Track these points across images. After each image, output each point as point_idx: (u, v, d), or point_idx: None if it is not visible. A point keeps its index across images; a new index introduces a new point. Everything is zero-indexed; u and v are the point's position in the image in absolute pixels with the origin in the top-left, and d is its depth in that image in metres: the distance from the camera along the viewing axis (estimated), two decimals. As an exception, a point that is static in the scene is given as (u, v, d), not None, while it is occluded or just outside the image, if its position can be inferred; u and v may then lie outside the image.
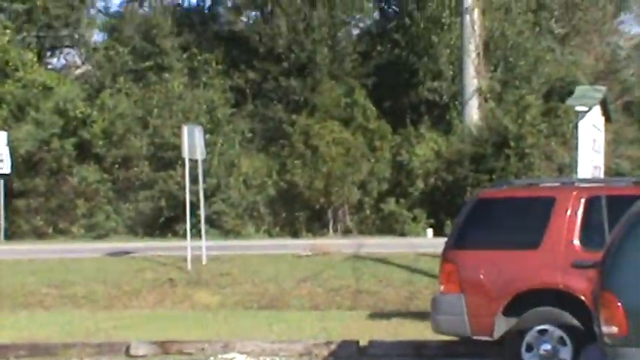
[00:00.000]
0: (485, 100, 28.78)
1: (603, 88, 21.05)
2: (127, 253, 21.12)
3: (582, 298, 9.83)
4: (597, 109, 20.86)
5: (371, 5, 33.01)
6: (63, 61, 35.43)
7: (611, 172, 31.33)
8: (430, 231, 26.70)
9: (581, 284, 9.82)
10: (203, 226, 20.19)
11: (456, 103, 29.88)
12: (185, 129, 19.75)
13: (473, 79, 28.53)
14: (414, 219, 27.47)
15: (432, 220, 27.31)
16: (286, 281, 17.88)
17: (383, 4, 34.53)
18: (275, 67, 31.09)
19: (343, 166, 28.01)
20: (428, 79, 30.64)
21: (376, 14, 34.33)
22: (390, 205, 27.86)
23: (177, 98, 29.48)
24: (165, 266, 19.28)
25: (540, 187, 11.59)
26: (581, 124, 17.94)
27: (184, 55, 31.69)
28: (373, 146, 29.03)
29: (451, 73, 30.39)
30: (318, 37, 30.82)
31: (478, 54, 28.56)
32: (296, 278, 17.97)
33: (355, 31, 34.16)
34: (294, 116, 29.60)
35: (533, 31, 32.14)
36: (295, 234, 27.78)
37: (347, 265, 18.72)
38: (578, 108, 18.66)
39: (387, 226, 27.76)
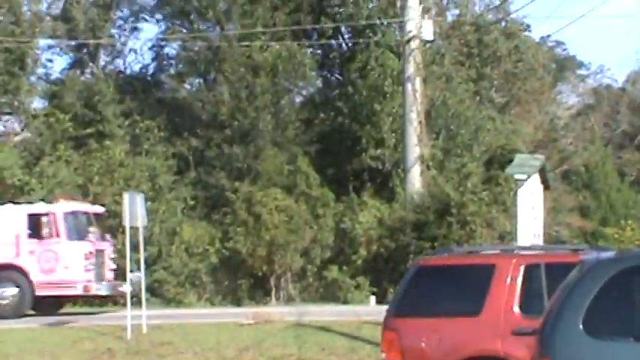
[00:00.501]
0: (428, 168, 29.01)
1: (542, 157, 21.39)
2: (64, 323, 20.71)
3: (523, 365, 9.82)
4: (536, 178, 21.16)
5: (314, 73, 33.29)
6: (2, 128, 35.08)
7: (551, 239, 31.65)
8: (373, 298, 26.63)
9: (521, 351, 9.82)
10: (144, 295, 19.91)
11: (399, 170, 30.08)
12: (126, 196, 19.60)
13: (415, 147, 28.78)
14: (357, 286, 27.41)
15: (374, 288, 27.27)
16: (228, 350, 17.64)
17: (326, 72, 34.86)
18: (218, 134, 31.09)
19: (286, 234, 27.94)
20: (371, 147, 30.85)
21: (319, 82, 34.63)
22: (333, 272, 27.81)
23: (118, 165, 29.28)
24: (105, 336, 18.92)
25: (480, 254, 11.65)
26: (520, 192, 18.15)
27: (126, 122, 31.58)
28: (316, 213, 29.04)
29: (394, 140, 30.64)
30: (261, 104, 30.94)
31: (420, 122, 28.85)
32: (238, 347, 17.75)
33: (298, 99, 34.40)
34: (236, 183, 29.54)
35: (474, 100, 32.65)
36: (238, 302, 27.55)
37: (289, 333, 18.55)
38: (518, 176, 18.92)
39: (330, 294, 27.66)
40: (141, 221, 19.55)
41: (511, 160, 26.10)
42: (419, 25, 28.51)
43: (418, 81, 28.92)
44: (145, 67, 35.88)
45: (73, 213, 23.40)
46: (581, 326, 6.95)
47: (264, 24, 31.65)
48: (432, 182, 28.57)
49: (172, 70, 35.21)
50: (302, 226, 28.37)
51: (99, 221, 24.39)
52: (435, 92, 31.01)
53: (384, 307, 12.00)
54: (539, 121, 38.67)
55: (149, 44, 35.90)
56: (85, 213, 23.95)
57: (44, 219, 22.87)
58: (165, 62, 35.65)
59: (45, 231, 22.81)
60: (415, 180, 28.61)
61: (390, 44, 31.36)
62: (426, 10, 29.73)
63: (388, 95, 30.92)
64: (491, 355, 10.24)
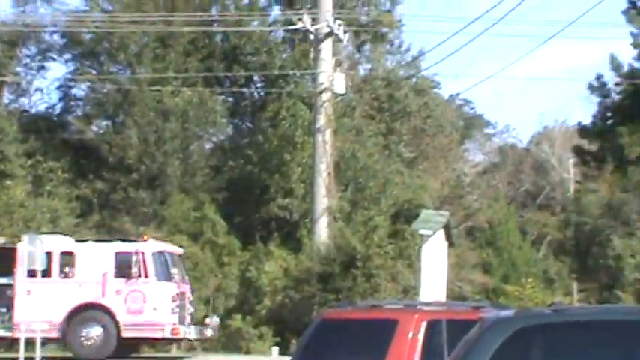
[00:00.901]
0: (335, 220, 29.10)
1: (447, 214, 21.62)
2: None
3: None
4: (441, 234, 21.34)
5: (224, 120, 33.23)
6: None
7: (454, 294, 31.92)
8: (276, 349, 26.43)
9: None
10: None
11: (306, 221, 30.10)
12: (26, 238, 19.17)
13: (323, 198, 28.87)
14: (260, 336, 27.17)
15: (278, 338, 27.07)
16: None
17: (237, 120, 34.84)
18: (124, 178, 30.72)
19: (190, 281, 27.60)
20: (279, 197, 30.83)
21: (230, 129, 34.57)
22: (237, 321, 27.52)
23: (18, 206, 28.61)
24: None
25: (383, 308, 11.64)
26: (425, 247, 18.28)
27: (29, 162, 30.94)
28: (222, 261, 28.80)
29: (302, 191, 30.69)
30: (170, 149, 30.71)
31: (329, 174, 28.98)
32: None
33: (208, 145, 34.24)
34: (141, 229, 29.13)
35: (383, 154, 32.96)
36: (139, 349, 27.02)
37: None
38: (423, 232, 19.07)
39: (233, 343, 27.35)
40: (39, 264, 19.13)
41: (417, 215, 26.36)
42: (331, 78, 28.79)
43: (328, 133, 29.11)
44: (52, 106, 35.32)
45: (161, 252, 22.75)
46: (479, 383, 6.97)
47: (176, 69, 31.54)
48: (339, 234, 28.64)
49: (79, 112, 34.73)
50: (206, 274, 28.07)
51: (180, 262, 23.80)
52: (345, 145, 31.23)
53: (287, 359, 11.89)
54: (446, 178, 39.21)
55: (56, 84, 35.39)
56: (171, 253, 23.28)
57: (133, 258, 22.00)
58: (72, 103, 35.15)
59: (133, 270, 21.95)
60: (322, 231, 28.65)
61: (302, 95, 31.55)
62: (338, 63, 30.03)
63: (298, 145, 31.03)
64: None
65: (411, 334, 10.46)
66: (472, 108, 49.74)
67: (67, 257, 22.15)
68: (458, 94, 44.43)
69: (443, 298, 23.33)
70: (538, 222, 44.76)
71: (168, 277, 22.56)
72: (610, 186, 35.06)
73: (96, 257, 22.14)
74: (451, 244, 26.27)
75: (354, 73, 33.91)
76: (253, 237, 29.74)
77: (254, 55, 32.87)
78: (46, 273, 21.46)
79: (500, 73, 76.70)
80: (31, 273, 20.98)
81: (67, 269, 22.07)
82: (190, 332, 22.68)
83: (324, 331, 10.89)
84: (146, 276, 22.07)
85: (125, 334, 21.88)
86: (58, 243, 22.41)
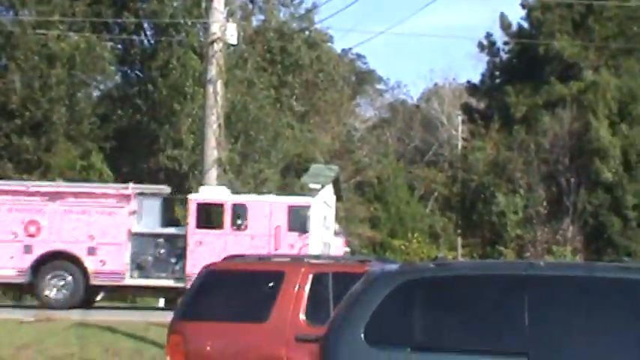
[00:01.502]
0: (225, 172, 28.90)
1: (336, 168, 21.75)
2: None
3: (305, 372, 9.88)
4: (330, 188, 21.44)
5: (113, 68, 32.56)
6: None
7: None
8: (162, 300, 26.25)
9: (304, 358, 9.88)
10: None
11: (196, 172, 29.84)
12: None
13: (213, 149, 28.60)
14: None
15: (165, 290, 26.88)
16: (4, 348, 16.90)
17: (126, 68, 34.19)
18: (7, 124, 29.86)
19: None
20: (168, 147, 30.47)
21: (118, 77, 33.91)
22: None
23: None
24: None
25: (271, 261, 11.68)
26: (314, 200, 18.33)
27: None
28: (108, 211, 28.32)
29: (192, 142, 30.38)
30: (56, 95, 29.95)
31: (219, 125, 28.72)
32: (15, 345, 17.03)
33: (96, 93, 33.54)
34: (25, 176, 28.44)
35: (275, 107, 32.87)
36: (20, 298, 26.50)
37: (71, 332, 17.97)
38: (312, 185, 19.12)
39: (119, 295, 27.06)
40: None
41: (307, 169, 26.44)
42: (223, 28, 28.38)
43: (220, 84, 28.76)
44: None
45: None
46: (362, 335, 7.04)
47: (62, 13, 30.67)
48: (229, 186, 28.51)
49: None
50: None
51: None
52: (236, 96, 31.02)
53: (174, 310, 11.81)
54: (336, 132, 39.40)
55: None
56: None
57: (306, 212, 21.65)
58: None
59: (306, 224, 21.58)
60: (212, 183, 28.45)
61: (194, 45, 31.13)
62: (231, 13, 29.67)
63: (189, 96, 30.67)
64: (275, 361, 10.25)
65: (297, 287, 10.52)
66: (365, 63, 50.00)
67: (240, 209, 21.87)
68: (350, 49, 44.59)
69: (340, 251, 23.54)
70: (426, 178, 45.47)
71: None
72: (496, 144, 35.80)
73: (268, 210, 21.79)
74: (340, 199, 26.45)
75: (246, 24, 33.60)
76: (141, 187, 29.35)
77: (144, 2, 32.23)
78: (218, 225, 21.49)
79: (393, 29, 77.15)
80: (202, 224, 21.28)
81: (239, 222, 21.84)
82: None
83: (211, 282, 10.86)
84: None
85: None
86: (230, 195, 22.51)
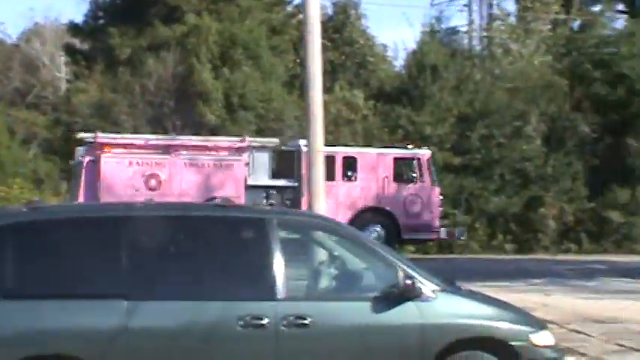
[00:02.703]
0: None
1: None
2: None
3: None
4: None
5: None
6: None
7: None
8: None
9: None
10: None
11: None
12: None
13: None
14: None
15: None
16: None
17: None
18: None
19: None
20: None
21: None
22: None
23: None
24: None
25: None
26: None
27: None
28: None
29: None
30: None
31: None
32: None
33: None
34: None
35: None
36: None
37: None
38: None
39: None
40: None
41: None
42: None
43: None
44: None
45: (430, 158, 23.55)
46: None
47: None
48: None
49: None
50: None
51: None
52: None
53: None
54: None
55: None
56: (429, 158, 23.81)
57: (411, 163, 23.15)
58: None
59: (413, 175, 23.07)
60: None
61: None
62: None
63: None
64: None
65: None
66: None
67: (350, 161, 23.00)
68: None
69: None
70: (27, 121, 43.78)
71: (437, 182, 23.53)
72: (100, 86, 35.26)
73: (376, 163, 23.04)
74: None
75: None
76: None
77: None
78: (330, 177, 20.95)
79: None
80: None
81: (349, 173, 22.91)
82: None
83: None
84: (423, 182, 23.06)
85: (405, 235, 22.85)
86: (341, 149, 23.27)
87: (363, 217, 22.75)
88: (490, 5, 37.30)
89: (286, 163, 22.59)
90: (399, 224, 22.84)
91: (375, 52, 38.39)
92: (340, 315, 7.25)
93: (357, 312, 7.24)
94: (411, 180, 23.14)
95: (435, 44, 34.44)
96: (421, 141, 25.52)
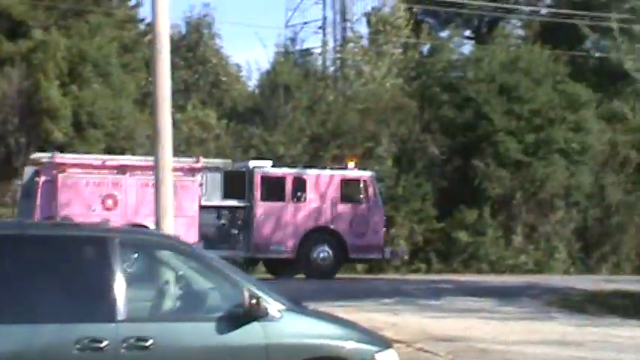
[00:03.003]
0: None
1: None
2: None
3: None
4: None
5: None
6: None
7: None
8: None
9: None
10: None
11: None
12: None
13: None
14: None
15: None
16: None
17: None
18: None
19: None
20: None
21: None
22: None
23: None
24: None
25: None
26: None
27: None
28: None
29: None
30: None
31: None
32: None
33: None
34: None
35: None
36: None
37: None
38: None
39: None
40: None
41: None
42: None
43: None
44: None
45: (374, 178, 24.24)
46: None
47: None
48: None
49: None
50: None
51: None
52: None
53: None
54: None
55: None
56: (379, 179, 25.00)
57: (357, 184, 23.76)
58: None
59: (358, 196, 23.69)
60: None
61: None
62: None
63: None
64: None
65: None
66: None
67: (300, 183, 23.41)
68: None
69: None
70: None
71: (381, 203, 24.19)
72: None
73: (324, 185, 23.48)
74: None
75: None
76: None
77: None
78: (280, 197, 23.17)
79: None
80: (265, 197, 22.99)
81: (298, 194, 23.32)
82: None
83: None
84: (368, 202, 23.64)
85: (352, 255, 23.53)
86: (290, 170, 23.93)
87: (311, 238, 23.32)
88: (344, 28, 37.80)
89: (237, 184, 23.07)
90: (346, 244, 23.38)
91: (229, 71, 38.35)
92: (183, 336, 7.06)
93: (201, 333, 7.08)
94: (358, 201, 23.82)
95: (288, 64, 34.65)
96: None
